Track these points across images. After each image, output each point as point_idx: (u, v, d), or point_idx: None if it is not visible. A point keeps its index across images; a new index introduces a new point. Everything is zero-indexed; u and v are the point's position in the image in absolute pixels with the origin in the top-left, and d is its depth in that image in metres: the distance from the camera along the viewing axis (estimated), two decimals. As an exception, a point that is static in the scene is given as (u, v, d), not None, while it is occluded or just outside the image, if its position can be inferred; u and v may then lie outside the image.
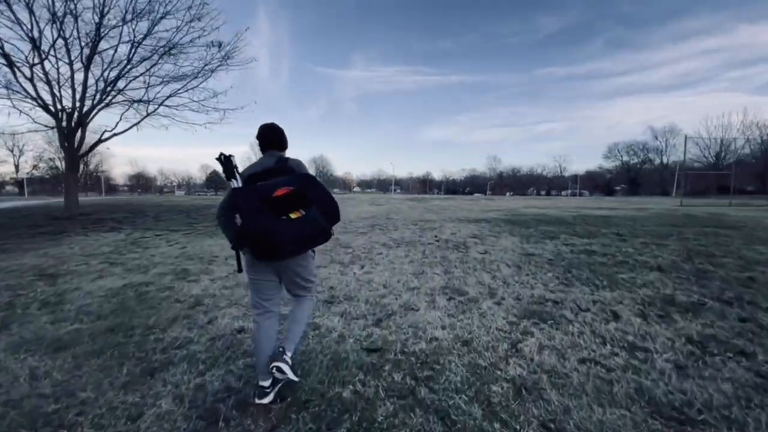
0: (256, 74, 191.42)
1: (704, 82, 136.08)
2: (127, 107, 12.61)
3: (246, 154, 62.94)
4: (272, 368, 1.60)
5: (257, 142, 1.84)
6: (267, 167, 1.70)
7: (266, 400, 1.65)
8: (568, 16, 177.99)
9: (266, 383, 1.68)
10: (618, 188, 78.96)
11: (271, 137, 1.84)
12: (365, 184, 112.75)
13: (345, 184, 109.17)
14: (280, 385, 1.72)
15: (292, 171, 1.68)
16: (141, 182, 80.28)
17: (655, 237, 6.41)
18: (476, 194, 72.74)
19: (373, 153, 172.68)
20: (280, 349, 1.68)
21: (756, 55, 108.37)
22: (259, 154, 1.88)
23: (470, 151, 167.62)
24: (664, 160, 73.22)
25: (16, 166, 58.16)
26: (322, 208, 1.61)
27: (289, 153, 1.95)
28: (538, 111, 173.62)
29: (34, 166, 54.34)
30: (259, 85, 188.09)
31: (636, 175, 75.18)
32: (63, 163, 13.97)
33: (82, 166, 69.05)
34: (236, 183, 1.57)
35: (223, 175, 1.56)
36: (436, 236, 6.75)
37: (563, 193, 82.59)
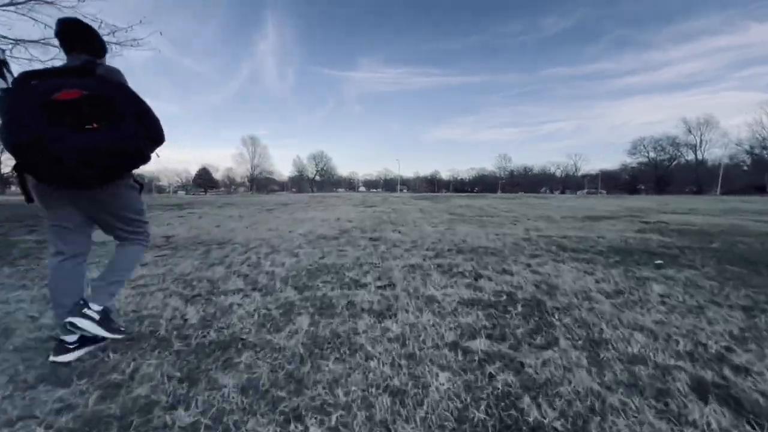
0: (264, 77, 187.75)
1: (714, 81, 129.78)
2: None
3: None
4: (66, 324, 1.29)
5: (59, 43, 1.37)
6: (60, 68, 1.30)
7: (66, 358, 1.32)
8: (573, 15, 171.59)
9: (69, 338, 1.35)
10: (641, 187, 72.38)
11: (74, 33, 1.36)
12: (371, 184, 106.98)
13: (350, 184, 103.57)
14: (92, 345, 1.40)
15: (100, 78, 1.23)
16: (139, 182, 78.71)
17: None
18: (486, 193, 66.46)
19: (379, 153, 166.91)
20: (81, 302, 1.35)
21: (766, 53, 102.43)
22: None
23: (477, 151, 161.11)
24: (699, 156, 66.12)
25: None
26: (137, 123, 1.24)
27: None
28: (544, 111, 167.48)
29: None
30: (267, 88, 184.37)
31: (664, 173, 68.19)
32: None
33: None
34: (2, 82, 1.25)
35: None
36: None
37: (578, 192, 76.38)
